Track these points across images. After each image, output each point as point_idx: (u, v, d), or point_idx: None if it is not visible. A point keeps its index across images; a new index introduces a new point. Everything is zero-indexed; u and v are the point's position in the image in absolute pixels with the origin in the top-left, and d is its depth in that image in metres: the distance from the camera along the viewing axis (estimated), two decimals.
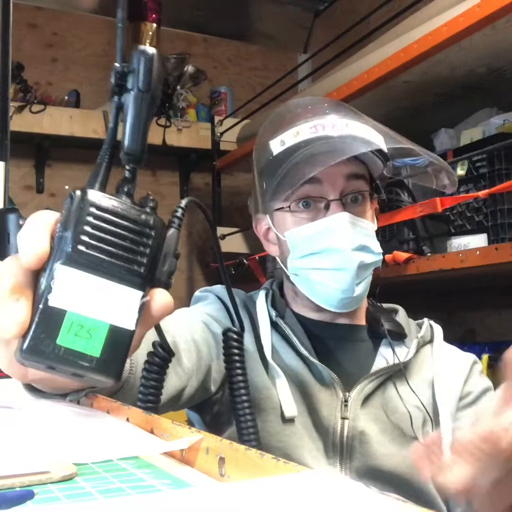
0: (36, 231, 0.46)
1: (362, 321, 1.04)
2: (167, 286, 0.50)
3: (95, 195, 0.46)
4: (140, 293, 0.47)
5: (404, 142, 0.96)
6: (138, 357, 0.74)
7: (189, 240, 3.01)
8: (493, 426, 0.48)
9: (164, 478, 0.42)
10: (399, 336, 1.01)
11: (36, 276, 0.46)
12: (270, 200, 0.99)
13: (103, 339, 0.45)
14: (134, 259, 0.47)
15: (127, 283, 0.46)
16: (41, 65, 2.81)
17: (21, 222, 1.05)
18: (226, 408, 0.96)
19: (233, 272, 2.34)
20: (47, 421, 0.52)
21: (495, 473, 0.50)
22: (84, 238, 0.45)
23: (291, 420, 0.93)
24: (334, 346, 1.00)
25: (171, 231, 0.51)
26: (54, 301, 0.44)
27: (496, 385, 0.99)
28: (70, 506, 0.36)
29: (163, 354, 0.72)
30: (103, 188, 0.49)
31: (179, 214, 0.54)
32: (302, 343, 0.98)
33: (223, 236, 2.63)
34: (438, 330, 1.05)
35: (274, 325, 1.01)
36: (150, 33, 2.75)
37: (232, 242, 2.64)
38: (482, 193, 1.45)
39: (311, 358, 0.96)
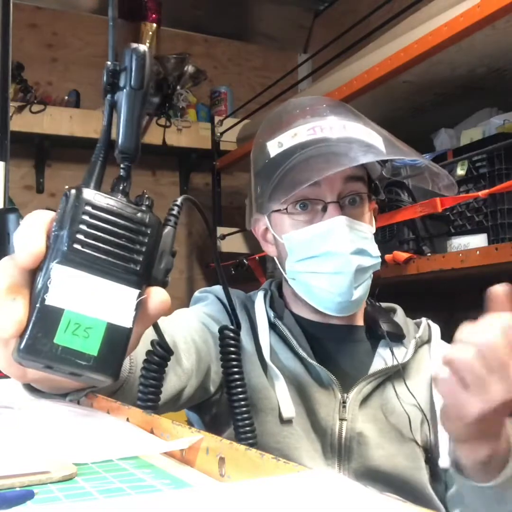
0: (31, 231, 0.46)
1: (360, 322, 1.04)
2: (164, 284, 0.50)
3: (90, 194, 0.46)
4: (137, 291, 0.47)
5: (402, 146, 0.96)
6: (138, 357, 0.74)
7: (189, 240, 3.00)
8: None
9: (164, 478, 0.42)
10: (397, 337, 1.01)
11: (33, 276, 0.46)
12: (267, 202, 0.98)
13: (100, 337, 0.45)
14: (130, 257, 0.47)
15: (123, 281, 0.46)
16: (41, 65, 2.81)
17: (21, 222, 1.05)
18: (225, 409, 0.96)
19: (233, 272, 2.34)
20: (47, 421, 0.52)
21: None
22: (80, 236, 0.45)
23: (289, 421, 0.93)
24: (332, 347, 1.00)
25: (167, 229, 0.51)
26: (51, 300, 0.44)
27: None
28: (70, 506, 0.36)
29: (162, 353, 0.72)
30: (98, 187, 0.49)
31: (175, 212, 0.54)
32: (300, 344, 0.98)
33: (223, 236, 2.63)
34: (435, 329, 1.05)
35: (272, 326, 1.01)
36: (150, 33, 2.76)
37: (232, 242, 2.63)
38: (482, 193, 1.45)
39: (309, 359, 0.96)
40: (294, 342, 0.98)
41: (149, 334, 0.68)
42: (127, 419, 0.55)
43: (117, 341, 0.46)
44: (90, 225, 0.46)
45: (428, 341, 1.04)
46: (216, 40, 3.19)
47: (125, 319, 0.46)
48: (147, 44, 2.71)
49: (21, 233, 0.46)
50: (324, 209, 0.95)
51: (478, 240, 1.53)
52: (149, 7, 2.75)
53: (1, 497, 0.36)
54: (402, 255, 1.64)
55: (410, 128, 1.84)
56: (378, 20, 1.93)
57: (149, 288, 0.49)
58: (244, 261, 2.33)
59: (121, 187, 0.49)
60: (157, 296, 0.49)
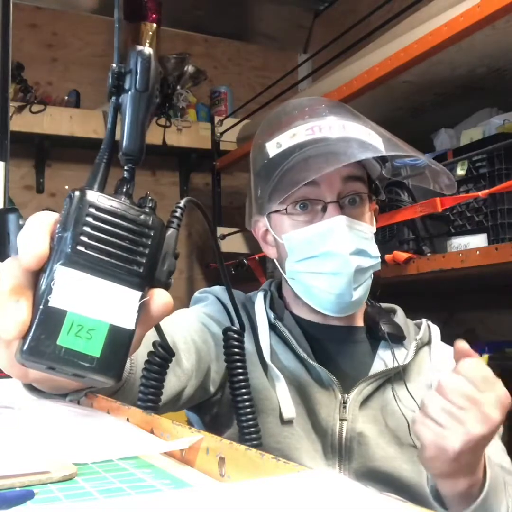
0: (35, 232, 0.46)
1: (360, 322, 1.04)
2: (166, 286, 0.50)
3: (93, 196, 0.46)
4: (140, 293, 0.47)
5: (402, 145, 0.96)
6: (138, 357, 0.74)
7: (189, 240, 3.00)
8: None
9: (164, 478, 0.42)
10: (398, 338, 1.01)
11: (36, 277, 0.46)
12: (267, 202, 0.98)
13: (103, 339, 0.45)
14: (133, 259, 0.47)
15: (126, 283, 0.46)
16: (41, 65, 2.81)
17: (21, 222, 1.05)
18: (225, 410, 0.96)
19: (233, 272, 2.34)
20: (47, 421, 0.52)
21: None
22: (83, 238, 0.45)
23: (289, 422, 0.93)
24: (333, 348, 1.00)
25: (170, 231, 0.51)
26: (54, 301, 0.45)
27: None
28: (70, 506, 0.36)
29: (163, 354, 0.72)
30: (102, 189, 0.49)
31: (178, 214, 0.54)
32: (301, 345, 0.97)
33: (223, 236, 2.63)
34: (435, 331, 1.05)
35: (272, 327, 1.00)
36: (150, 33, 2.75)
37: (232, 242, 2.63)
38: (482, 193, 1.45)
39: (310, 360, 0.96)
40: (294, 343, 0.97)
41: (150, 334, 0.68)
42: (127, 419, 0.55)
43: (119, 343, 0.46)
44: (93, 227, 0.46)
45: (429, 343, 1.04)
46: (216, 40, 3.19)
47: (128, 321, 0.46)
48: (147, 44, 2.71)
49: (24, 235, 0.46)
50: (324, 209, 0.94)
51: (478, 240, 1.53)
52: (149, 7, 2.74)
53: (1, 497, 0.36)
54: (402, 255, 1.64)
55: (410, 128, 1.84)
56: (378, 20, 1.93)
57: (151, 290, 0.49)
58: (244, 261, 2.33)
59: (124, 189, 0.49)
60: (160, 298, 0.49)
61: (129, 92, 0.49)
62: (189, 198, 0.57)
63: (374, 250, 0.97)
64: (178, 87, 2.77)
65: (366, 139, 0.92)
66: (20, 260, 0.46)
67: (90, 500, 0.37)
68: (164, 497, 0.35)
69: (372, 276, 0.99)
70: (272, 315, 1.01)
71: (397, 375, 0.97)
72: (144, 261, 0.47)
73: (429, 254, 1.62)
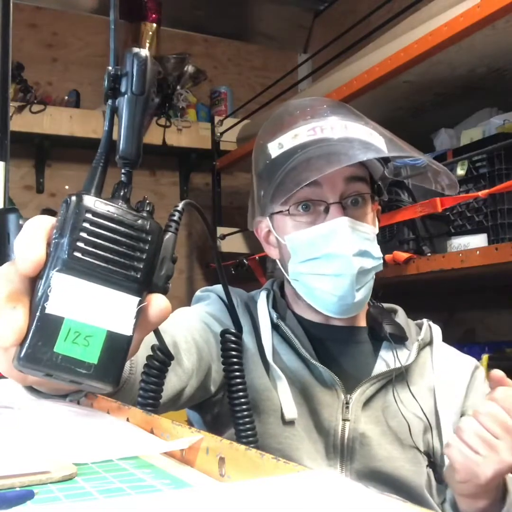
0: (32, 238, 0.46)
1: (363, 323, 1.04)
2: (164, 291, 0.49)
3: (90, 201, 0.46)
4: (137, 298, 0.47)
5: (403, 146, 0.95)
6: (139, 358, 0.74)
7: (189, 240, 3.00)
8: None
9: (164, 478, 0.42)
10: (400, 338, 1.00)
11: (33, 283, 0.46)
12: (269, 203, 0.98)
13: (100, 345, 0.45)
14: (131, 264, 0.47)
15: (123, 289, 0.46)
16: (41, 65, 2.81)
17: (21, 222, 1.04)
18: (226, 410, 0.95)
19: (233, 272, 2.34)
20: (47, 421, 0.52)
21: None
22: (80, 244, 0.45)
23: (291, 422, 0.93)
24: (335, 348, 1.00)
25: (168, 235, 0.51)
26: (51, 308, 0.44)
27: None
28: (70, 506, 0.36)
29: (162, 358, 0.72)
30: (99, 193, 0.48)
31: (176, 217, 0.54)
32: (303, 345, 0.97)
33: (223, 236, 2.63)
34: (436, 331, 1.05)
35: (275, 327, 1.00)
36: (150, 33, 2.75)
37: (232, 242, 2.63)
38: (482, 193, 1.45)
39: (312, 360, 0.96)
40: (297, 343, 0.97)
41: (150, 337, 0.67)
42: (127, 419, 0.55)
43: (117, 349, 0.46)
44: (90, 233, 0.45)
45: (430, 343, 1.04)
46: (216, 40, 3.19)
47: (125, 327, 0.46)
48: (147, 44, 2.71)
49: (21, 240, 0.46)
50: (327, 210, 0.94)
51: (478, 240, 1.53)
52: (149, 7, 2.74)
53: (1, 497, 0.36)
54: (402, 255, 1.64)
55: (410, 128, 1.85)
56: (378, 20, 1.93)
57: (149, 295, 0.48)
58: (244, 261, 2.33)
59: (121, 193, 0.49)
60: (158, 303, 0.49)
61: (126, 95, 0.49)
62: (187, 201, 0.57)
63: (376, 251, 0.97)
64: (178, 87, 2.77)
65: (368, 139, 0.92)
66: (17, 266, 0.45)
67: (90, 500, 0.37)
68: (164, 497, 0.35)
69: (374, 277, 0.98)
70: (274, 315, 1.00)
71: (399, 376, 0.97)
72: (141, 266, 0.47)
73: (429, 254, 1.62)
